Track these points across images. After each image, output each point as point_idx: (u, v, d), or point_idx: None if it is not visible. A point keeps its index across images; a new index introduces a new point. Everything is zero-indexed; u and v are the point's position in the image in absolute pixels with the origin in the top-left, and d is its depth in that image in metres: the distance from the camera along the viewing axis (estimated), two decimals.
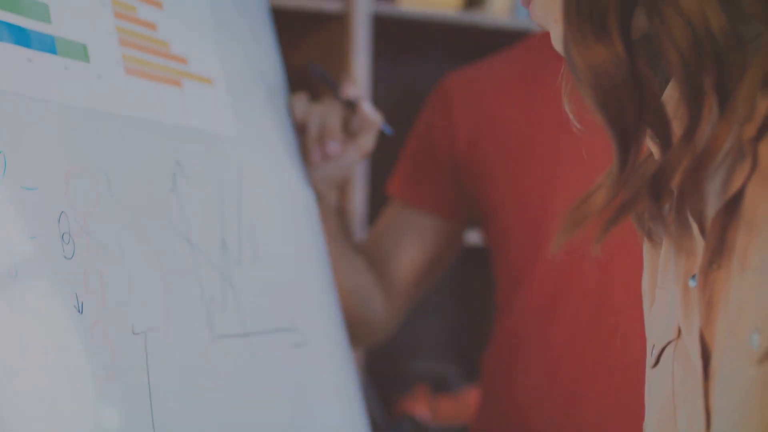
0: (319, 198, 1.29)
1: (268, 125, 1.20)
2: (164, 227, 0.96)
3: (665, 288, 0.76)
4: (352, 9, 2.07)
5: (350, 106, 1.27)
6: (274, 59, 1.27)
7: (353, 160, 1.30)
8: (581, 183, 1.43)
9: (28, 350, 0.76)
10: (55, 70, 0.87)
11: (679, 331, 0.72)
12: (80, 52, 0.90)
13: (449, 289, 2.37)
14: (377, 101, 2.16)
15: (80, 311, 0.82)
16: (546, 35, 1.57)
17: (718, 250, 0.66)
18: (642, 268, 1.39)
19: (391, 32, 2.22)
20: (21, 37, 0.84)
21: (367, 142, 1.29)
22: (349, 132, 1.29)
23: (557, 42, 0.73)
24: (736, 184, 0.65)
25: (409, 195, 1.57)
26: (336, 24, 2.10)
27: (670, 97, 0.70)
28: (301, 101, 1.27)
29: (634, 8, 0.68)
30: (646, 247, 0.80)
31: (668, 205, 0.71)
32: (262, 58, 1.24)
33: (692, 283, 0.70)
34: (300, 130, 1.27)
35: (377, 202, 2.02)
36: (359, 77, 2.05)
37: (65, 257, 0.82)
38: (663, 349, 0.74)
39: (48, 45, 0.87)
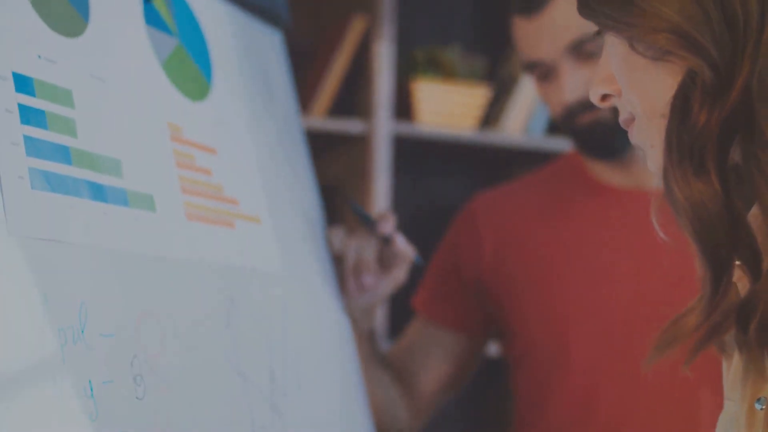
0: (354, 324, 1.36)
1: (309, 258, 1.27)
2: (220, 363, 1.03)
3: (731, 399, 0.81)
4: (374, 130, 2.16)
5: (385, 240, 1.34)
6: (313, 194, 1.35)
7: (386, 291, 1.36)
8: (605, 301, 1.50)
9: None
10: (127, 221, 0.94)
11: None
12: (148, 203, 0.98)
13: (465, 398, 2.42)
14: (397, 216, 2.25)
15: None
16: (568, 160, 1.65)
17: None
18: (672, 377, 1.46)
19: (411, 151, 2.31)
20: (98, 193, 0.91)
21: (400, 274, 1.36)
22: (383, 264, 1.36)
23: (653, 165, 0.81)
24: None
25: (434, 313, 1.64)
26: (358, 144, 2.19)
27: (753, 222, 0.77)
28: (339, 234, 1.34)
29: (731, 146, 0.75)
30: (724, 358, 0.85)
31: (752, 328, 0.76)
32: (302, 193, 1.32)
33: (758, 406, 0.75)
34: (337, 261, 1.34)
35: (397, 313, 2.09)
36: (380, 194, 2.14)
37: (137, 398, 0.89)
38: None
39: (121, 198, 0.94)
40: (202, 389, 0.98)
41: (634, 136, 0.83)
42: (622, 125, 0.84)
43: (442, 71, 2.31)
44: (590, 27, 1.45)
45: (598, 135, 1.50)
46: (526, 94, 2.32)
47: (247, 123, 1.22)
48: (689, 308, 0.78)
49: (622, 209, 1.56)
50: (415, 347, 1.64)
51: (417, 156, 2.40)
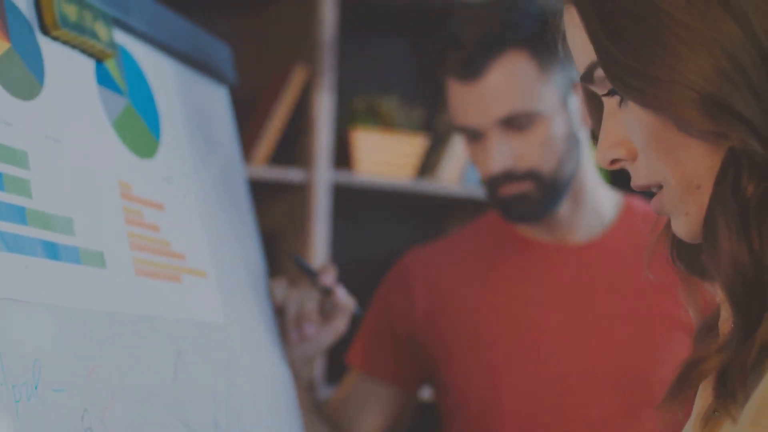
0: (295, 375, 1.39)
1: (252, 310, 1.31)
2: (167, 415, 1.06)
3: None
4: (314, 178, 2.20)
5: (326, 292, 1.38)
6: (256, 246, 1.39)
7: (327, 341, 1.40)
8: (533, 355, 1.55)
9: None
10: (79, 279, 0.97)
11: None
12: (99, 260, 1.01)
13: None
14: (335, 263, 2.29)
15: None
16: (495, 215, 1.68)
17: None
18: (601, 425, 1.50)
19: (350, 199, 2.36)
20: (52, 251, 0.94)
21: (340, 325, 1.40)
22: (323, 315, 1.39)
23: (684, 231, 0.81)
24: None
25: (369, 367, 1.68)
26: (298, 192, 2.23)
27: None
28: (281, 286, 1.38)
29: None
30: None
31: None
32: (245, 245, 1.36)
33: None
34: (279, 311, 1.38)
35: (335, 361, 2.12)
36: (319, 241, 2.18)
37: None
38: None
39: (73, 256, 0.97)
40: None
41: (663, 205, 0.81)
42: (636, 189, 0.83)
43: (381, 121, 2.36)
44: (524, 101, 1.51)
45: (519, 207, 1.55)
46: (463, 144, 2.38)
47: (194, 178, 1.26)
48: (706, 353, 0.78)
49: (548, 264, 1.62)
50: (351, 400, 1.68)
51: (356, 204, 2.45)
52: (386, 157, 2.33)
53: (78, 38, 1.06)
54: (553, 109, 1.53)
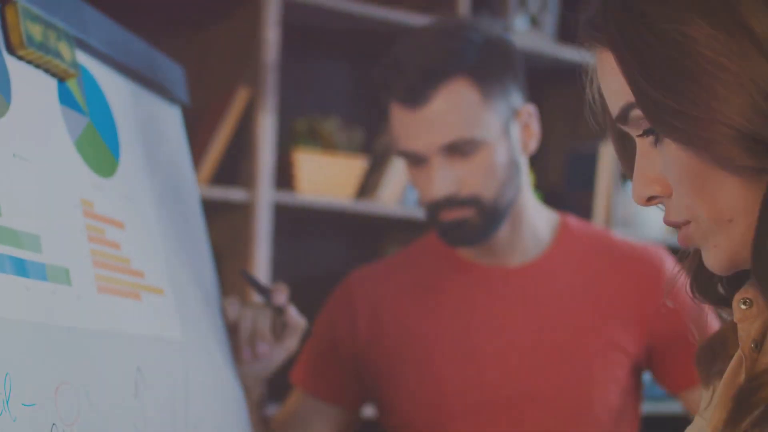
0: (247, 392, 1.41)
1: (207, 328, 1.33)
2: (129, 430, 1.07)
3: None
4: (256, 198, 2.22)
5: (278, 311, 1.40)
6: (209, 264, 1.41)
7: (279, 360, 1.42)
8: (475, 378, 1.58)
9: None
10: (46, 295, 0.98)
11: None
12: (64, 277, 1.02)
13: None
14: (277, 281, 2.31)
15: None
16: (435, 237, 1.70)
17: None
18: None
19: (291, 219, 2.38)
20: (20, 268, 0.96)
21: (292, 343, 1.42)
22: (275, 334, 1.41)
23: (714, 262, 0.83)
24: None
25: (312, 387, 1.70)
26: (241, 212, 2.25)
27: None
28: (234, 304, 1.40)
29: None
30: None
31: None
32: (200, 263, 1.37)
33: None
34: (232, 329, 1.39)
35: (277, 379, 2.13)
36: (261, 260, 2.20)
37: None
38: None
39: (41, 273, 0.98)
40: None
41: (691, 238, 0.84)
42: (668, 225, 0.85)
43: (322, 142, 2.39)
44: (467, 129, 1.55)
45: (458, 232, 1.58)
46: (402, 166, 2.42)
47: (151, 196, 1.28)
48: (760, 382, 0.80)
49: (488, 287, 1.65)
50: (296, 418, 1.70)
51: (297, 224, 2.47)
52: (327, 177, 2.36)
53: (43, 58, 1.07)
54: (495, 136, 1.56)
